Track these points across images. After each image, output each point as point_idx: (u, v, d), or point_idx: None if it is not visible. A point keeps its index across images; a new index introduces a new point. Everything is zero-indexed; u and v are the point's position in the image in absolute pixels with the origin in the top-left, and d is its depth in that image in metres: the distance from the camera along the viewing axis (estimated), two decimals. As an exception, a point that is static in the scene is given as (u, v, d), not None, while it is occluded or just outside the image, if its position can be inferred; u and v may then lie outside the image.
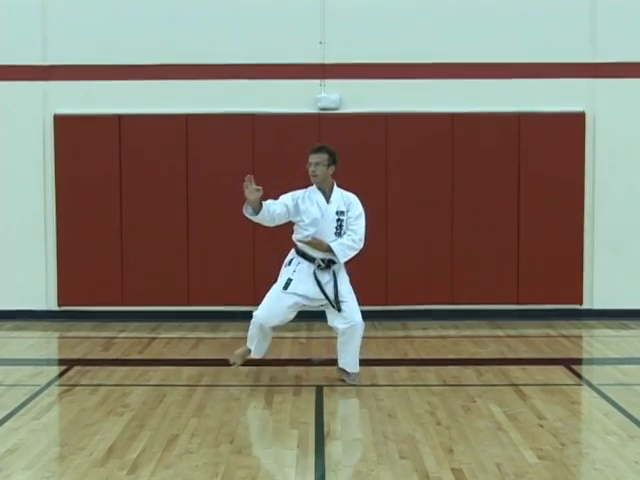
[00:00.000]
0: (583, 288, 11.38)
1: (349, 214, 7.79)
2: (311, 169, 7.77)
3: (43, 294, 11.38)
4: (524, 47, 11.22)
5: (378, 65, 11.24)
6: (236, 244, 11.19)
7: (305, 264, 7.78)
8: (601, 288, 11.36)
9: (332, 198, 7.82)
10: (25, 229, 11.31)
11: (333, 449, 6.08)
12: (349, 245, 7.74)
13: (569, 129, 11.25)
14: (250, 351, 8.13)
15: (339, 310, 7.70)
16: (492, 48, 11.23)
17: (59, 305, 11.39)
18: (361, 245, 7.80)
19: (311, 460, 5.91)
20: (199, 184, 11.20)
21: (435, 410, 7.03)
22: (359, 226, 7.79)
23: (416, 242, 11.32)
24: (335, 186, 7.91)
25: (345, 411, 7.08)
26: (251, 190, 7.46)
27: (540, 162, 11.22)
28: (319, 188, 7.85)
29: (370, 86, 11.24)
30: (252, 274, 11.08)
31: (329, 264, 7.75)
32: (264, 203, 7.59)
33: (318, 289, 7.72)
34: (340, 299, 7.72)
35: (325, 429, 6.58)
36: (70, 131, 11.20)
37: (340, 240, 7.73)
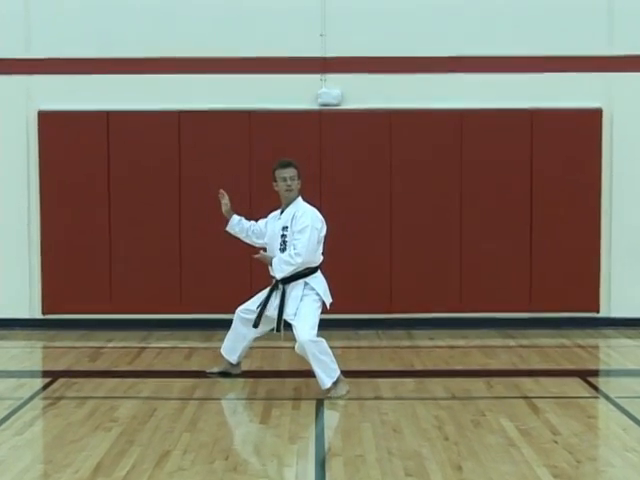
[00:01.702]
0: (600, 295, 11.38)
1: (293, 229, 7.98)
2: (287, 184, 8.08)
3: (26, 301, 11.37)
4: (537, 39, 11.23)
5: (382, 59, 11.25)
6: (232, 248, 11.13)
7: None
8: (619, 295, 11.35)
9: (284, 213, 8.13)
10: (7, 232, 11.30)
11: (334, 466, 6.08)
12: (285, 260, 7.97)
13: (585, 126, 11.25)
14: (231, 364, 8.57)
15: (277, 330, 8.02)
16: (503, 40, 11.23)
17: (43, 313, 11.38)
18: (299, 260, 7.91)
19: (311, 478, 5.91)
20: (192, 185, 11.20)
21: (443, 425, 7.02)
22: (299, 240, 7.94)
23: (422, 246, 11.32)
24: (297, 201, 8.14)
25: (347, 426, 7.08)
26: (223, 204, 8.36)
27: (554, 161, 11.23)
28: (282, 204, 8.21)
29: (374, 81, 11.25)
30: (249, 279, 11.03)
31: (277, 283, 8.05)
32: (236, 217, 8.33)
33: (272, 309, 8.08)
34: (287, 320, 7.97)
35: (326, 445, 6.59)
36: (55, 129, 11.21)
37: (280, 255, 7.99)
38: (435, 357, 9.78)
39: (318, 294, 8.01)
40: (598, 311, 11.42)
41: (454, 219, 11.25)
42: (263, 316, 8.13)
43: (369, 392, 8.11)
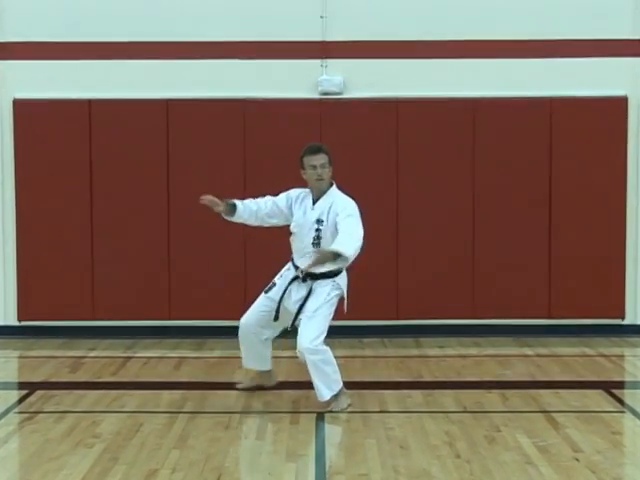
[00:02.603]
0: (626, 300, 11.38)
1: (337, 218, 7.80)
2: (317, 172, 7.86)
3: (0, 307, 11.37)
4: (557, 22, 11.23)
5: (388, 43, 11.25)
6: (225, 249, 11.18)
7: (292, 271, 8.03)
8: (646, 300, 11.39)
9: (317, 204, 7.93)
10: (-20, 232, 11.33)
11: (336, 486, 6.08)
12: (353, 235, 7.63)
13: (609, 116, 11.25)
14: (263, 372, 8.50)
15: (291, 327, 7.90)
16: (520, 23, 11.23)
17: (19, 320, 11.38)
18: (360, 240, 7.67)
19: (311, 499, 5.93)
20: (182, 180, 11.19)
21: (454, 441, 7.02)
22: (350, 224, 7.71)
23: (432, 247, 11.31)
24: (332, 191, 7.98)
25: (350, 442, 7.07)
26: (213, 206, 8.03)
27: (575, 155, 11.22)
28: (312, 192, 7.98)
29: (379, 67, 11.25)
30: (243, 284, 11.06)
31: (305, 278, 7.86)
32: (239, 204, 8.06)
33: (293, 303, 7.90)
34: (302, 316, 7.83)
35: (327, 463, 6.58)
36: (32, 119, 11.20)
37: (344, 232, 7.66)
38: (445, 367, 9.77)
39: (341, 295, 7.91)
40: (623, 318, 11.42)
41: (466, 217, 11.24)
42: (282, 308, 7.97)
43: (374, 405, 8.10)
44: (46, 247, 11.23)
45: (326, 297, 7.86)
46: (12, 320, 11.38)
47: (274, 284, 8.08)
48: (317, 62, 11.28)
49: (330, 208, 7.87)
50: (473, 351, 10.57)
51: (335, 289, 7.91)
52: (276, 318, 8.00)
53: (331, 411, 7.78)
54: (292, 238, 8.09)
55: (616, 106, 11.25)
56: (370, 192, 11.22)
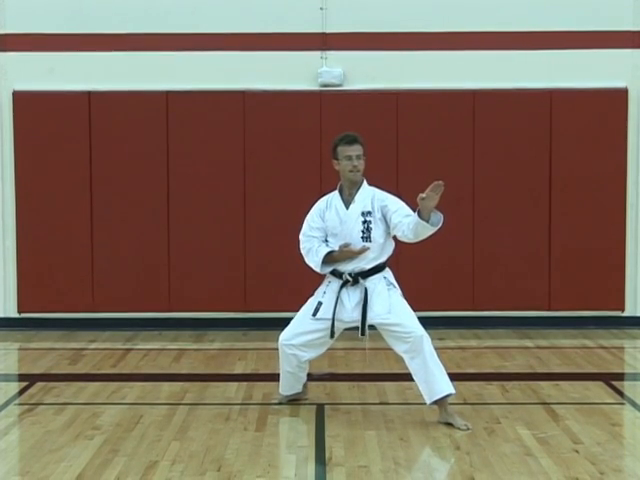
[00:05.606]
0: (625, 292, 11.38)
1: (389, 207, 7.55)
2: (352, 164, 7.47)
3: (0, 299, 11.37)
4: (557, 13, 11.22)
5: (388, 34, 11.24)
6: (224, 241, 11.18)
7: (336, 282, 7.50)
8: (646, 292, 11.40)
9: (358, 197, 7.53)
10: (-20, 224, 11.33)
11: (336, 477, 6.06)
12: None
13: (609, 108, 11.24)
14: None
15: (362, 334, 7.39)
16: (520, 15, 11.23)
17: (19, 312, 11.39)
18: None
19: (311, 490, 5.92)
20: (181, 172, 11.19)
21: (453, 432, 7.02)
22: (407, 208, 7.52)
23: (432, 239, 11.28)
24: (365, 185, 7.62)
25: (350, 433, 7.07)
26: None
27: (575, 147, 11.22)
28: (340, 189, 7.62)
29: (379, 59, 11.24)
30: (243, 275, 11.06)
31: (357, 278, 7.42)
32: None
33: (350, 311, 7.43)
34: (377, 321, 7.37)
35: (327, 454, 6.58)
36: (31, 111, 11.19)
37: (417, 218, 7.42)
38: (445, 359, 9.67)
39: (396, 288, 7.56)
40: (623, 310, 11.42)
41: (466, 208, 11.24)
42: (336, 322, 7.42)
43: (374, 397, 8.12)
44: (46, 239, 11.23)
45: (387, 293, 7.45)
46: (12, 312, 11.38)
47: (320, 303, 7.47)
48: (317, 54, 11.27)
49: (374, 198, 7.55)
50: (473, 343, 10.59)
51: (389, 284, 7.53)
52: (332, 335, 7.46)
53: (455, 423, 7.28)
54: (328, 245, 7.50)
55: (616, 98, 11.24)
56: (370, 183, 11.22)
